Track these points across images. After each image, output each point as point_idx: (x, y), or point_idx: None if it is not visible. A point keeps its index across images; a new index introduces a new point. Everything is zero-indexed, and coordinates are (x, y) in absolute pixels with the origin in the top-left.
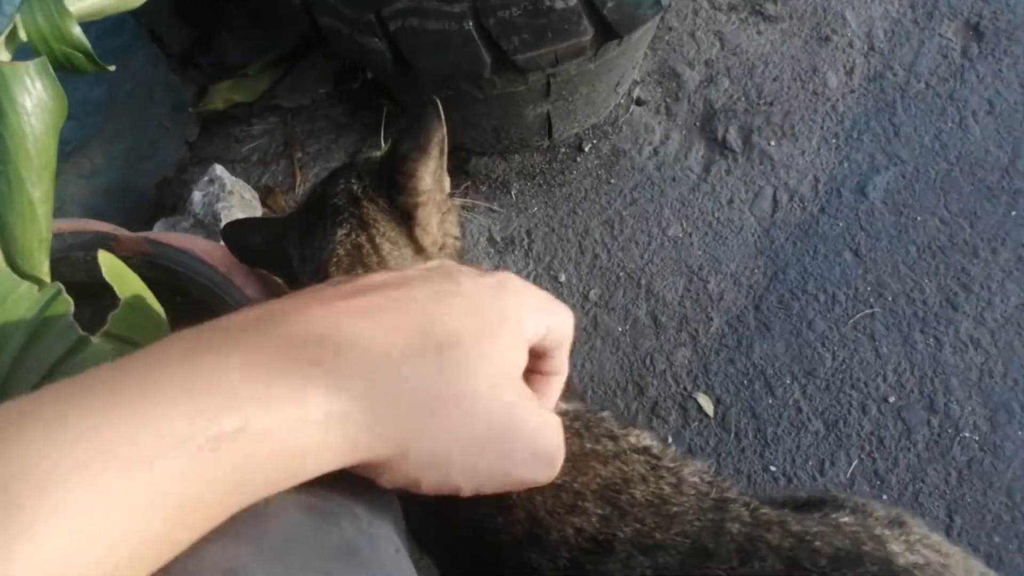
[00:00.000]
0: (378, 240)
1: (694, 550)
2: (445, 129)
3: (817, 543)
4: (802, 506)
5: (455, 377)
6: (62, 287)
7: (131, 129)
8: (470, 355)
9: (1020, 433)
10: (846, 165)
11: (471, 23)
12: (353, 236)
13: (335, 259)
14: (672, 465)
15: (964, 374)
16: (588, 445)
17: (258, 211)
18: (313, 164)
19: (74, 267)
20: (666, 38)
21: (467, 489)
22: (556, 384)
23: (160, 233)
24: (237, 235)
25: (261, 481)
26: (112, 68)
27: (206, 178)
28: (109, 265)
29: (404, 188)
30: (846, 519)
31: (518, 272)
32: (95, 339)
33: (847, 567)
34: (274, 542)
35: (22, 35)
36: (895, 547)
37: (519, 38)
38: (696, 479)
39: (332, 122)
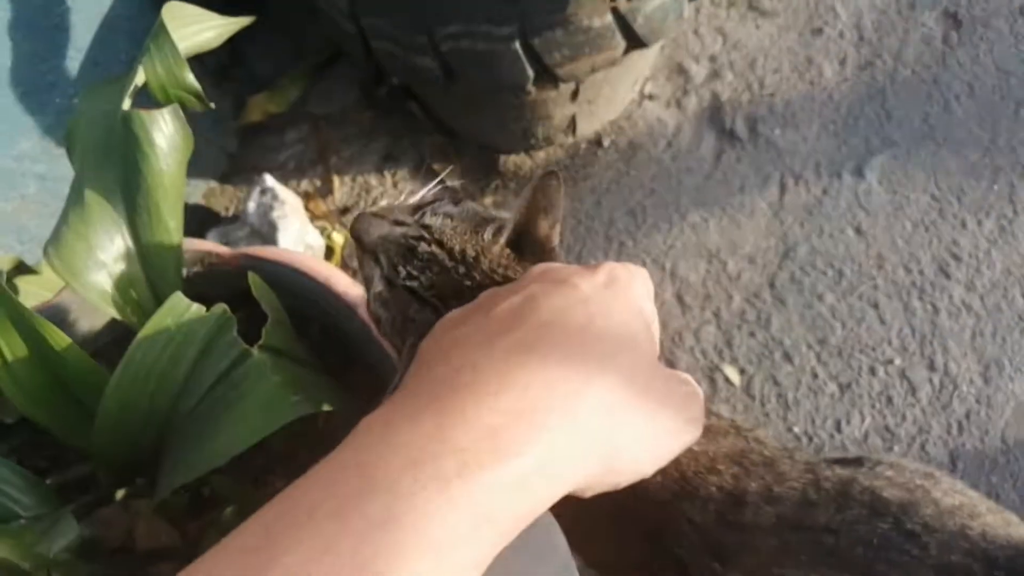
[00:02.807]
0: None
1: (803, 501)
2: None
3: (884, 493)
4: (845, 462)
5: (630, 382)
6: (227, 308)
7: None
8: (631, 358)
9: (1010, 385)
10: (844, 149)
11: (518, 42)
12: None
13: None
14: (757, 434)
15: (959, 335)
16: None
17: (304, 216)
18: (348, 168)
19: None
20: (673, 35)
21: (652, 471)
22: None
23: (256, 248)
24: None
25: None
26: (213, 105)
27: (258, 188)
28: (256, 283)
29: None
30: (890, 473)
31: None
32: (254, 351)
33: (911, 510)
34: None
35: (139, 81)
36: (936, 494)
37: (559, 54)
38: (777, 444)
39: (362, 127)
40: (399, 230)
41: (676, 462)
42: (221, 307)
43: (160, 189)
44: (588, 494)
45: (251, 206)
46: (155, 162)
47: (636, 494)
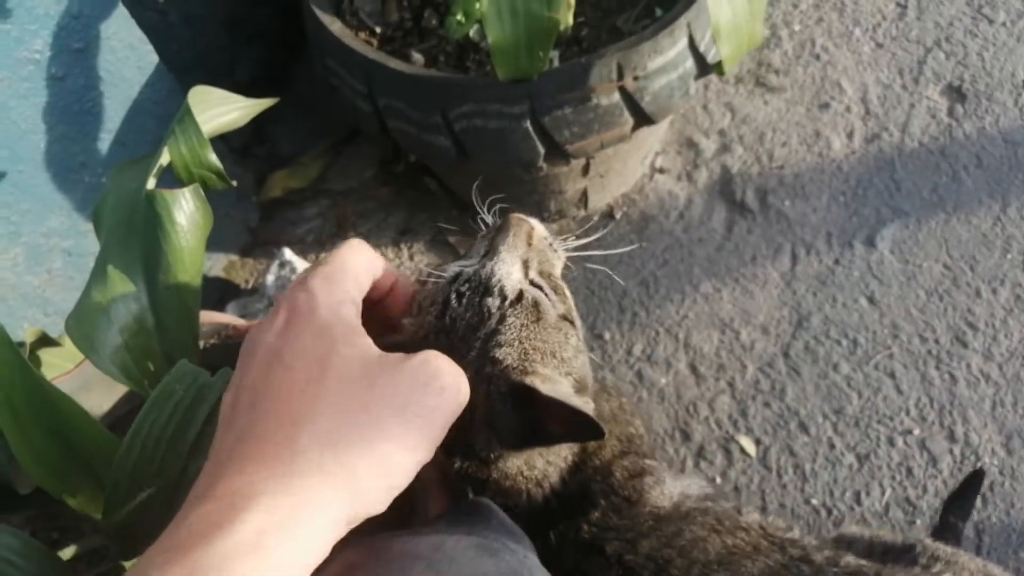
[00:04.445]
0: None
1: None
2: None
3: None
4: (896, 553)
5: (344, 405)
6: (231, 370)
7: None
8: (336, 381)
9: None
10: (855, 219)
11: (528, 121)
12: None
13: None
14: (791, 538)
15: (978, 405)
16: (729, 541)
17: None
18: (365, 241)
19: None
20: (682, 111)
21: (417, 470)
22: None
23: None
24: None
25: None
26: (235, 183)
27: (277, 262)
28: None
29: None
30: (948, 575)
31: None
32: None
33: None
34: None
35: (164, 161)
36: None
37: (569, 131)
38: (819, 543)
39: (380, 202)
40: (507, 271)
41: None
42: (226, 369)
43: (180, 265)
44: (358, 522)
45: (270, 279)
46: (175, 239)
47: None
